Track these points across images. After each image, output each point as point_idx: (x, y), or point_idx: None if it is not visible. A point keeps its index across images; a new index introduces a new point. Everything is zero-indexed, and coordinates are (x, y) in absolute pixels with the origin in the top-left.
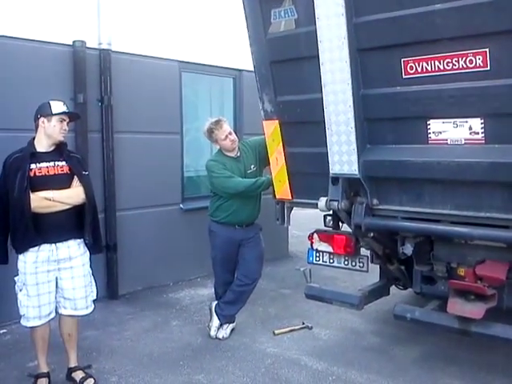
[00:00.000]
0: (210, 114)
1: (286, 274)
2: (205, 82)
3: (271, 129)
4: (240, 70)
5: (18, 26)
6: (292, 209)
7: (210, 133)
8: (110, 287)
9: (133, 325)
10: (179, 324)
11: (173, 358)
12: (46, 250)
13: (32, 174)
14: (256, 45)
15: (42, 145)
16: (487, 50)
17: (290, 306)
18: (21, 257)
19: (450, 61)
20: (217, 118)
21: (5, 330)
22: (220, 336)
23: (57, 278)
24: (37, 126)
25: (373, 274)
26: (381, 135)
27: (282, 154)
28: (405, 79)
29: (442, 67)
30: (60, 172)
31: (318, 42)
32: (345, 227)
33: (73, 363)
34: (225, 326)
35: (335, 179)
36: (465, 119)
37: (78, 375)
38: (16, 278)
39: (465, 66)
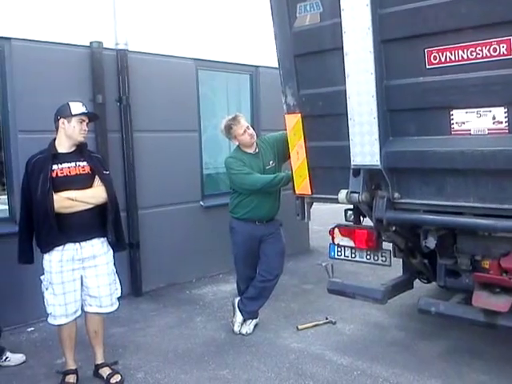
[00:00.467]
0: (227, 111)
1: (308, 269)
2: (221, 79)
3: (293, 122)
4: (257, 67)
5: (36, 29)
6: (312, 204)
7: (229, 129)
8: (133, 284)
9: (157, 321)
10: (203, 320)
11: (197, 354)
12: (70, 249)
13: (54, 174)
14: (281, 39)
15: (63, 146)
16: (511, 37)
17: (312, 302)
18: (46, 256)
19: (473, 50)
20: (233, 114)
21: (32, 328)
22: (244, 331)
23: (82, 277)
24: (57, 128)
25: (396, 268)
26: (403, 127)
27: (303, 148)
28: (428, 69)
29: (465, 56)
30: (81, 172)
31: (343, 33)
32: (366, 221)
33: (100, 360)
34: (248, 322)
35: (356, 171)
36: (488, 108)
37: (105, 371)
38: (42, 277)
39: (489, 54)
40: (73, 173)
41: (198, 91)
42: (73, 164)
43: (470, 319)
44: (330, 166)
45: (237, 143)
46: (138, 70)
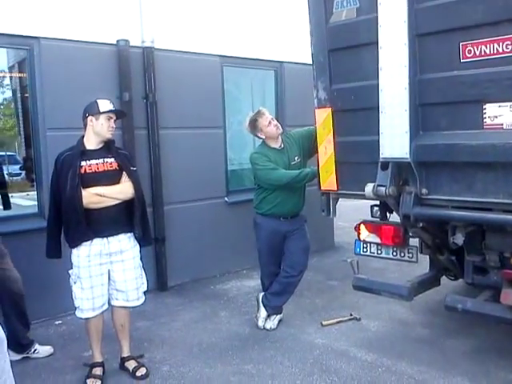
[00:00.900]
0: (251, 108)
1: (333, 265)
2: (246, 76)
3: (323, 117)
4: (281, 62)
5: (63, 28)
6: (338, 200)
7: (254, 122)
8: (159, 279)
9: (182, 315)
10: (227, 315)
11: (222, 349)
12: (98, 243)
13: (83, 171)
14: (316, 34)
15: (91, 142)
16: None
17: (337, 298)
18: (74, 251)
19: (509, 43)
20: (257, 110)
21: (60, 322)
22: (268, 327)
23: (109, 271)
24: (85, 125)
25: (422, 265)
26: (434, 121)
27: (332, 142)
28: (462, 63)
29: (500, 50)
30: (109, 168)
31: (378, 27)
32: (392, 218)
33: (126, 353)
34: (272, 317)
35: (385, 164)
36: None
37: (131, 364)
38: (70, 272)
39: None
40: (101, 169)
41: (223, 88)
42: (101, 160)
43: (497, 317)
44: (358, 162)
45: (263, 137)
46: (164, 68)
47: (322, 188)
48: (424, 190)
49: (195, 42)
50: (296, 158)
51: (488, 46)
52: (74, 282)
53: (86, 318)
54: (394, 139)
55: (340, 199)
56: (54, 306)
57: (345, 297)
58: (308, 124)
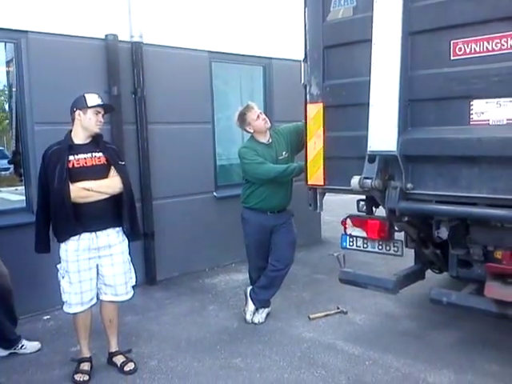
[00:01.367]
0: (240, 103)
1: (320, 259)
2: (235, 71)
3: (314, 112)
4: (270, 58)
5: (51, 22)
6: (324, 194)
7: (243, 116)
8: (148, 273)
9: (171, 310)
10: (215, 309)
11: (210, 343)
12: (86, 238)
13: (70, 165)
14: (312, 31)
15: (79, 137)
16: None
17: (324, 291)
18: (62, 245)
19: (498, 41)
20: (245, 104)
21: (48, 317)
22: (256, 320)
23: (97, 266)
24: (73, 119)
25: (407, 259)
26: (423, 116)
27: (321, 137)
28: (452, 60)
29: (490, 48)
30: (97, 163)
31: (373, 24)
32: (378, 212)
33: (114, 348)
34: (260, 311)
35: (372, 157)
36: (509, 99)
37: (119, 359)
38: (58, 266)
39: None
40: (89, 163)
41: (212, 83)
42: (89, 155)
43: (481, 309)
44: (346, 157)
45: (251, 131)
46: (153, 63)
47: (308, 183)
48: (409, 185)
49: (184, 38)
50: (283, 153)
51: (478, 43)
52: (63, 277)
53: (74, 313)
54: (383, 133)
55: (327, 194)
56: (42, 300)
57: (331, 290)
58: (296, 119)
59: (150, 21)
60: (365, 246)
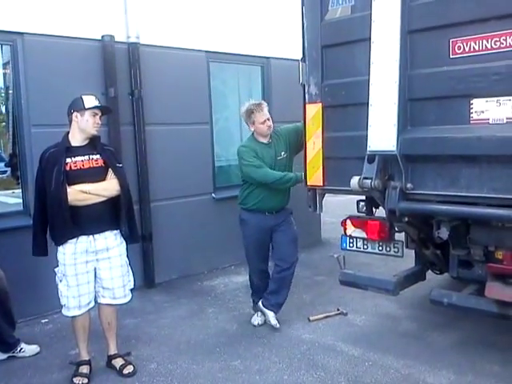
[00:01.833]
0: (238, 103)
1: (320, 260)
2: (233, 71)
3: (313, 112)
4: (268, 58)
5: (48, 23)
6: (324, 195)
7: (250, 113)
8: (146, 276)
9: (170, 312)
10: (215, 311)
11: (209, 345)
12: (83, 241)
13: (68, 167)
14: (310, 31)
15: (76, 139)
16: None
17: (324, 293)
18: (60, 248)
19: (497, 39)
20: (259, 101)
21: (46, 320)
22: (255, 323)
23: (95, 269)
24: (70, 121)
25: (408, 260)
26: (422, 116)
27: (320, 138)
28: (452, 59)
29: (489, 46)
30: (95, 165)
31: (372, 22)
32: (378, 213)
33: (112, 351)
34: (259, 314)
35: (371, 157)
36: (508, 97)
37: (118, 362)
38: (56, 270)
39: None
40: (86, 166)
41: (210, 83)
42: (86, 157)
43: (482, 310)
44: (345, 157)
45: (252, 129)
46: (150, 63)
47: (308, 184)
48: (409, 185)
49: (181, 38)
50: (282, 154)
51: (477, 42)
52: (60, 280)
53: (73, 316)
54: (382, 132)
55: (327, 195)
56: (40, 304)
57: (332, 292)
58: (295, 119)
59: (146, 21)
60: (365, 247)
